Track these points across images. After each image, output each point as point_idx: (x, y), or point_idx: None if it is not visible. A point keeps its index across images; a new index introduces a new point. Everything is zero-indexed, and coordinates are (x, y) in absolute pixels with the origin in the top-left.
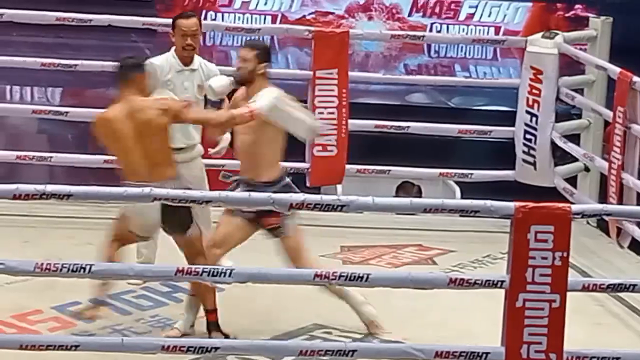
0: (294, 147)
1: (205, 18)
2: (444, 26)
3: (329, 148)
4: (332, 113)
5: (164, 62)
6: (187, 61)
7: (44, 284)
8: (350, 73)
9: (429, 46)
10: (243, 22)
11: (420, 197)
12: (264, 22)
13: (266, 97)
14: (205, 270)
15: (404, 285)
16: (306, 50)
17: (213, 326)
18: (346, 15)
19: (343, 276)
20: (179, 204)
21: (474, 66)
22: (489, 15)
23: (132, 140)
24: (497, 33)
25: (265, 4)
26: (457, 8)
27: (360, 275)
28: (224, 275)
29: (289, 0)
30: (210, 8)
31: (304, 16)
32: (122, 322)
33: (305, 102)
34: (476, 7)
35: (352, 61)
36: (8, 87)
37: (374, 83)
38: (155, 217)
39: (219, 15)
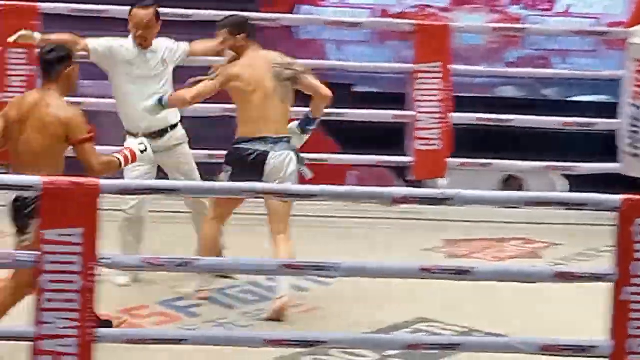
0: (398, 141)
1: (299, 12)
2: (541, 18)
3: (431, 142)
4: (435, 106)
5: (126, 44)
6: (144, 46)
7: (151, 278)
8: (452, 66)
9: (526, 38)
10: (340, 15)
11: (524, 190)
12: (362, 16)
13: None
14: (310, 265)
15: (509, 279)
16: (408, 44)
17: None
18: (448, 8)
19: (447, 270)
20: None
21: (574, 58)
22: (587, 6)
23: (18, 130)
24: (595, 24)
25: None
26: None
27: (465, 268)
28: (330, 270)
29: None
30: (306, 1)
31: (405, 10)
32: (226, 316)
33: (404, 95)
34: None
35: (453, 54)
36: None
37: (477, 76)
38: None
39: (315, 8)
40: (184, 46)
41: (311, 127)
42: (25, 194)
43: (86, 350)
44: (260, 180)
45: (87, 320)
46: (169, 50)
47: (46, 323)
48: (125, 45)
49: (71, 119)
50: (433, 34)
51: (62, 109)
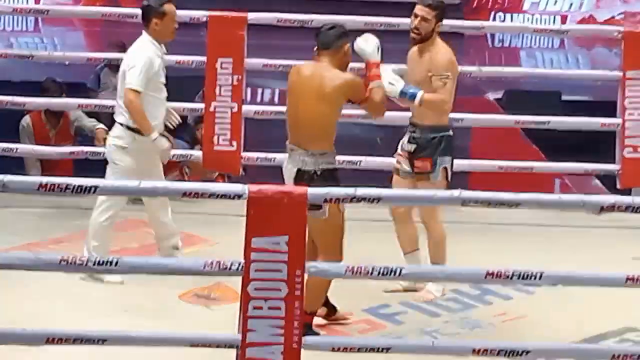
0: (603, 149)
1: (494, 19)
2: None
3: (639, 149)
4: None
5: (154, 52)
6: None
7: (355, 286)
8: None
9: None
10: (532, 22)
11: None
12: (553, 23)
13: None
14: (515, 273)
15: None
16: (615, 51)
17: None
18: None
19: None
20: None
21: None
22: None
23: (296, 101)
24: None
25: (555, 4)
26: None
27: None
28: (535, 278)
29: (579, 1)
30: (505, 9)
31: (613, 17)
32: (431, 325)
33: (615, 103)
34: None
35: None
36: None
37: None
38: None
39: (507, 15)
40: None
41: None
42: (308, 168)
43: (292, 357)
44: None
45: (293, 328)
46: None
47: (252, 330)
48: (152, 49)
49: (352, 81)
50: None
51: (338, 76)
